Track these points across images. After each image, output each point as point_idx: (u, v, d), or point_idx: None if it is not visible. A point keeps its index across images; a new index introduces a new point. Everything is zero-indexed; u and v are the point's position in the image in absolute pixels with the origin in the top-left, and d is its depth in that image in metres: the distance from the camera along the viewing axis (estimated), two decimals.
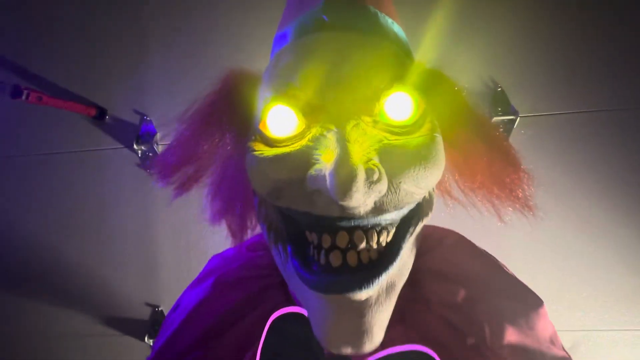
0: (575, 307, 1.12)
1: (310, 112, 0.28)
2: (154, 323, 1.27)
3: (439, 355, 0.29)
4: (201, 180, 0.37)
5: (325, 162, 0.26)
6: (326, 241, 0.27)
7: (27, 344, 1.36)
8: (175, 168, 0.35)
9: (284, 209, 0.30)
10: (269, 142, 0.29)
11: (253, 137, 0.31)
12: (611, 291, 1.09)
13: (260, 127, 0.30)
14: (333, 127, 0.27)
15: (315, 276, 0.26)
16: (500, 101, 1.11)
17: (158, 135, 1.26)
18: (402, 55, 0.32)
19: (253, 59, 1.21)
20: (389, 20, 0.33)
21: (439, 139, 0.30)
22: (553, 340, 0.35)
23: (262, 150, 0.29)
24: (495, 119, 1.10)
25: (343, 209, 0.26)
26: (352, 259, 0.27)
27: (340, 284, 0.25)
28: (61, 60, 1.28)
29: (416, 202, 0.30)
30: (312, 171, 0.26)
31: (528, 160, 1.13)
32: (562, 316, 1.12)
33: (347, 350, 0.26)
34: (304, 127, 0.28)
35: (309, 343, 0.30)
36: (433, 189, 0.32)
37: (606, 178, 1.08)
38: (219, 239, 1.26)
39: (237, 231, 0.41)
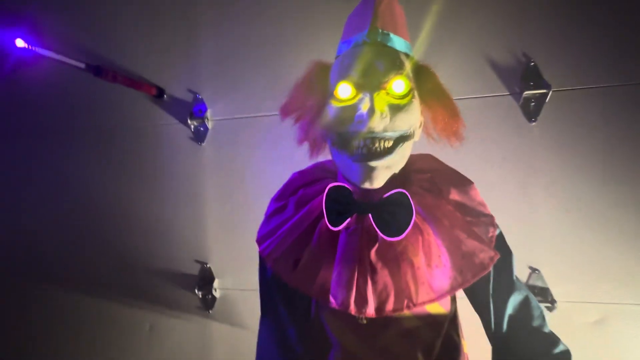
0: (605, 280, 1.12)
1: (357, 87, 0.58)
2: (203, 277, 1.43)
3: (412, 198, 0.59)
4: (301, 120, 0.66)
5: (363, 109, 0.56)
6: (361, 141, 0.58)
7: (93, 290, 1.59)
8: (288, 113, 0.67)
9: (342, 132, 0.59)
10: (338, 100, 0.60)
11: (331, 97, 0.61)
12: None
13: (334, 93, 0.60)
14: (367, 94, 0.56)
15: (356, 156, 0.58)
16: (532, 75, 1.13)
17: (209, 112, 1.41)
18: (403, 56, 0.60)
19: (297, 40, 1.31)
20: (400, 39, 0.62)
21: (416, 101, 0.61)
22: (482, 204, 0.66)
23: (336, 103, 0.60)
24: (527, 92, 1.12)
25: (370, 128, 0.56)
26: (373, 150, 0.58)
27: (366, 159, 0.57)
28: (129, 48, 1.46)
29: (403, 132, 0.59)
30: (358, 112, 0.56)
31: (560, 133, 1.14)
32: (591, 288, 1.13)
33: (366, 185, 0.58)
34: (354, 94, 0.58)
35: (345, 194, 0.61)
36: (414, 130, 0.61)
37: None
38: (260, 204, 1.39)
39: (313, 149, 0.70)
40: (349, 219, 0.61)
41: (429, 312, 0.65)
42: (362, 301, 0.60)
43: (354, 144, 0.58)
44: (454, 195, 0.64)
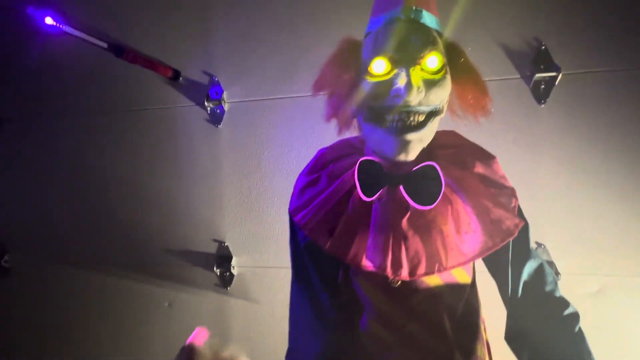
0: (605, 252, 1.19)
1: (392, 62, 0.60)
2: (220, 256, 1.48)
3: (441, 169, 0.61)
4: (332, 97, 0.68)
5: (400, 83, 0.57)
6: (395, 115, 0.61)
7: (114, 269, 1.63)
8: (321, 88, 0.69)
9: (376, 107, 0.62)
10: (373, 75, 0.62)
11: (365, 73, 0.62)
12: None
13: (369, 68, 0.61)
14: (403, 69, 0.58)
15: (391, 129, 0.61)
16: (543, 59, 1.17)
17: (225, 94, 1.43)
18: (435, 33, 0.62)
19: (313, 21, 1.33)
20: (432, 16, 0.64)
21: (448, 76, 0.62)
22: (504, 177, 0.70)
23: (370, 79, 0.62)
24: (537, 75, 1.16)
25: (406, 102, 0.58)
26: (407, 123, 0.61)
27: (402, 132, 0.60)
28: (144, 29, 1.46)
29: (435, 106, 0.61)
30: (394, 87, 0.58)
31: (569, 115, 1.19)
32: (591, 260, 1.20)
33: (401, 157, 0.62)
34: (389, 69, 0.60)
35: (375, 167, 0.64)
36: (443, 106, 0.63)
37: None
38: (276, 184, 1.43)
39: (342, 126, 0.72)
40: (380, 191, 0.66)
41: (454, 277, 0.71)
42: (397, 265, 0.65)
43: (388, 117, 0.61)
44: (479, 169, 0.68)
